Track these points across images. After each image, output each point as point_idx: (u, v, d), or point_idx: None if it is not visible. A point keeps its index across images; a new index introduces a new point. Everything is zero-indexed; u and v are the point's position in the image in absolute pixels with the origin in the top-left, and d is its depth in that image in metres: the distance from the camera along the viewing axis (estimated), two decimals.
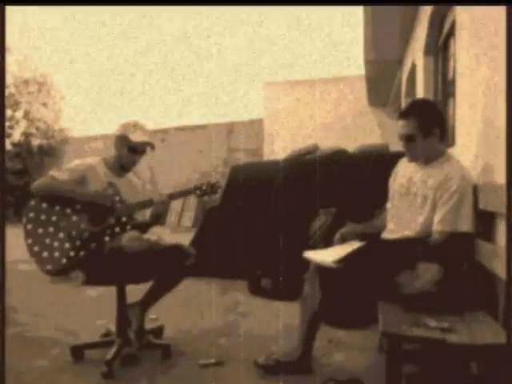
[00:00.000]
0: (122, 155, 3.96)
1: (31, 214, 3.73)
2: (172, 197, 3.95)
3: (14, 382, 3.38)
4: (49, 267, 3.62)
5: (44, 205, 3.75)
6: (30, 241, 3.67)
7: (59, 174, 3.80)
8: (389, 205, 3.67)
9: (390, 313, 2.89)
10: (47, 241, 3.67)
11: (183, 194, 4.03)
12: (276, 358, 3.60)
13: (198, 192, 3.97)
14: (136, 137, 3.91)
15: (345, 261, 3.13)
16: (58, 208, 3.76)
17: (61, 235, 3.69)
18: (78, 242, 3.68)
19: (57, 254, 3.64)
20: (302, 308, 3.56)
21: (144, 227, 4.08)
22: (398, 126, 3.38)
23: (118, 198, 3.82)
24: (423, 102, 3.72)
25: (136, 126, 3.96)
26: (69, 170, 3.84)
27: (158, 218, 4.07)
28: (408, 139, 3.32)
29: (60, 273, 3.70)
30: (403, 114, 3.36)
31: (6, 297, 2.65)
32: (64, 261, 3.62)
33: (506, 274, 2.36)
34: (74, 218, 3.74)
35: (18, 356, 3.92)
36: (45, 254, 3.64)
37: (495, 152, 3.15)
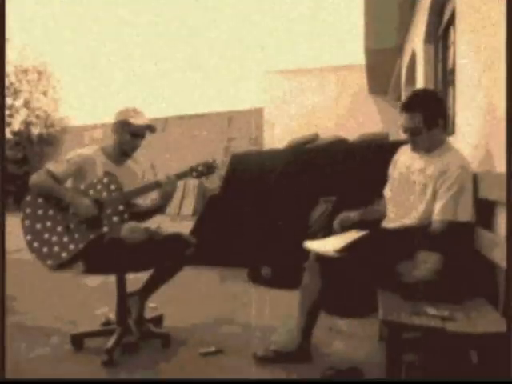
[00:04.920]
0: (123, 140, 3.95)
1: (28, 210, 3.72)
2: (178, 177, 3.92)
3: (13, 370, 3.38)
4: (50, 262, 3.61)
5: (40, 199, 3.74)
6: (28, 237, 3.66)
7: (56, 166, 3.78)
8: (386, 191, 3.67)
9: (390, 301, 2.89)
10: (46, 236, 3.66)
11: (180, 176, 3.98)
12: (275, 348, 3.60)
13: (194, 173, 3.93)
14: (138, 120, 3.91)
15: (346, 250, 3.13)
16: (54, 201, 3.75)
17: (59, 229, 3.68)
18: (76, 235, 3.67)
19: (56, 248, 3.63)
20: (302, 297, 3.56)
21: (151, 213, 4.09)
22: (402, 119, 3.35)
23: (114, 187, 3.81)
24: (427, 94, 3.65)
25: (135, 111, 3.97)
26: (66, 162, 3.82)
27: (168, 199, 4.03)
28: (413, 132, 3.31)
29: (61, 267, 3.69)
30: (407, 107, 3.33)
31: (5, 286, 2.64)
32: (64, 254, 3.61)
33: (506, 262, 2.36)
34: (71, 211, 3.73)
35: (17, 345, 3.93)
36: (45, 250, 3.62)
37: (495, 140, 3.15)
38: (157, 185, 3.88)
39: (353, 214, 3.69)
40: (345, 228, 3.61)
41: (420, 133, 3.28)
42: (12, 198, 17.02)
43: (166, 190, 3.92)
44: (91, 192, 3.76)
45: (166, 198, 3.99)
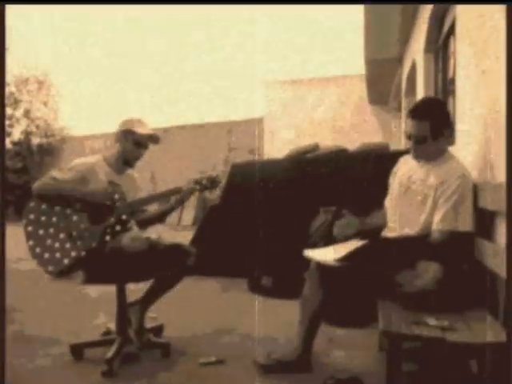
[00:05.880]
0: (126, 150, 3.96)
1: (31, 216, 3.72)
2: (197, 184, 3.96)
3: (13, 380, 3.38)
4: (51, 268, 3.61)
5: (44, 206, 3.74)
6: (31, 242, 3.66)
7: (59, 173, 3.79)
8: (387, 202, 3.67)
9: (391, 311, 2.89)
10: (48, 242, 3.66)
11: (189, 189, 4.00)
12: (276, 357, 3.60)
13: (198, 187, 3.95)
14: (141, 130, 3.93)
15: (347, 259, 3.13)
16: (57, 208, 3.74)
17: (62, 236, 3.68)
18: (78, 242, 3.67)
19: (58, 254, 3.63)
20: (302, 307, 3.55)
21: (154, 220, 4.11)
22: (408, 125, 3.35)
23: (118, 196, 3.82)
24: (436, 103, 3.66)
25: (139, 121, 3.99)
26: (69, 170, 3.83)
27: (182, 203, 4.05)
28: (418, 140, 3.29)
29: (62, 274, 3.69)
30: (415, 114, 3.30)
31: (6, 295, 2.64)
32: (66, 261, 3.61)
33: (506, 272, 2.36)
34: (75, 218, 3.73)
35: (17, 355, 3.92)
36: (46, 256, 3.63)
37: (495, 150, 3.15)
38: (177, 191, 3.91)
39: (355, 223, 3.67)
40: (346, 235, 3.61)
41: (425, 141, 3.27)
42: (12, 208, 17.02)
43: (181, 198, 3.95)
44: None
45: (180, 203, 4.02)
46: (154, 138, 4.03)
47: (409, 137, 3.35)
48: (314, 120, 17.10)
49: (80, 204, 3.75)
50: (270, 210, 6.75)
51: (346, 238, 3.58)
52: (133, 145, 3.95)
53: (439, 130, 3.27)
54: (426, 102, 3.65)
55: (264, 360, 3.60)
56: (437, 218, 3.17)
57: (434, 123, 3.25)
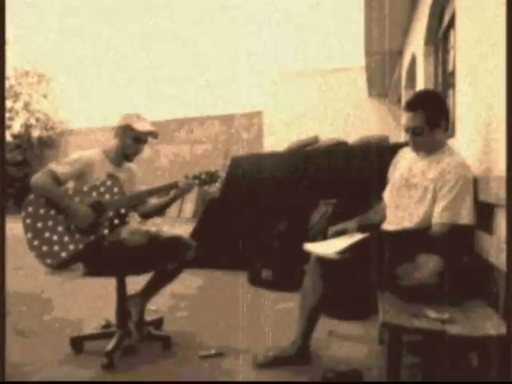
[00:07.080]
0: (125, 145, 3.96)
1: (30, 209, 3.71)
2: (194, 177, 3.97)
3: (13, 373, 3.38)
4: (49, 261, 3.61)
5: (42, 199, 3.73)
6: (29, 235, 3.66)
7: (58, 167, 3.77)
8: (386, 194, 3.67)
9: (390, 304, 2.89)
10: (46, 235, 3.65)
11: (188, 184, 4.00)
12: (274, 353, 3.59)
13: (197, 181, 3.95)
14: (141, 126, 3.92)
15: (347, 252, 3.13)
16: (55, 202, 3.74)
17: (60, 229, 3.68)
18: (77, 235, 3.67)
19: (56, 247, 3.62)
20: (302, 300, 3.55)
21: (161, 209, 4.12)
22: (404, 118, 3.37)
23: (116, 190, 3.81)
24: (431, 94, 3.66)
25: (139, 116, 3.98)
26: (68, 164, 3.82)
27: (181, 197, 4.07)
28: (415, 132, 3.31)
29: (60, 266, 3.69)
30: (410, 107, 3.33)
31: (6, 288, 2.64)
32: (63, 254, 3.61)
33: (506, 265, 2.36)
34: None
35: (17, 347, 3.92)
36: (44, 248, 3.62)
37: (495, 143, 3.14)
38: (173, 186, 3.91)
39: (350, 225, 3.67)
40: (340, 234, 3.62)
41: (421, 132, 3.28)
42: (12, 201, 17.04)
43: (181, 192, 3.95)
44: (94, 194, 3.76)
45: (176, 200, 4.03)
46: (153, 134, 4.02)
47: (406, 130, 3.37)
48: (313, 113, 17.07)
49: (78, 197, 3.75)
50: (269, 202, 6.76)
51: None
52: (132, 140, 3.94)
53: (435, 121, 3.28)
54: (420, 94, 3.66)
55: (262, 358, 3.59)
56: (437, 210, 3.17)
57: (429, 114, 3.27)
